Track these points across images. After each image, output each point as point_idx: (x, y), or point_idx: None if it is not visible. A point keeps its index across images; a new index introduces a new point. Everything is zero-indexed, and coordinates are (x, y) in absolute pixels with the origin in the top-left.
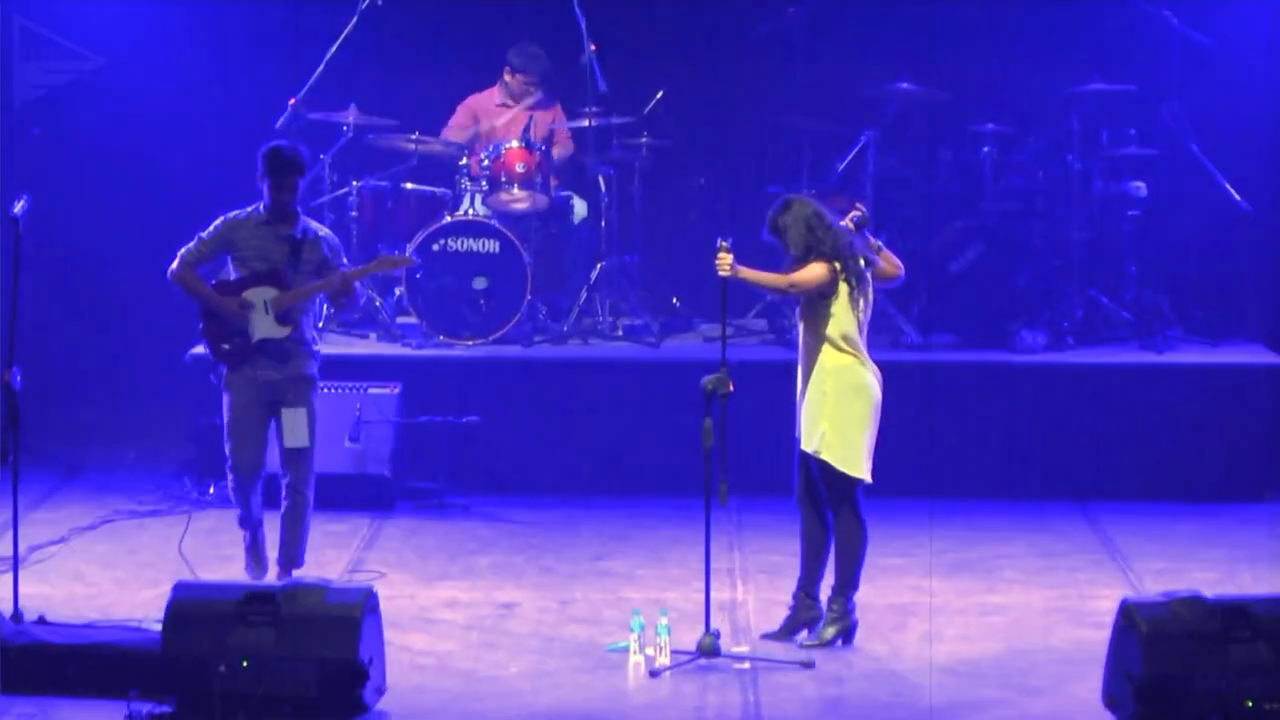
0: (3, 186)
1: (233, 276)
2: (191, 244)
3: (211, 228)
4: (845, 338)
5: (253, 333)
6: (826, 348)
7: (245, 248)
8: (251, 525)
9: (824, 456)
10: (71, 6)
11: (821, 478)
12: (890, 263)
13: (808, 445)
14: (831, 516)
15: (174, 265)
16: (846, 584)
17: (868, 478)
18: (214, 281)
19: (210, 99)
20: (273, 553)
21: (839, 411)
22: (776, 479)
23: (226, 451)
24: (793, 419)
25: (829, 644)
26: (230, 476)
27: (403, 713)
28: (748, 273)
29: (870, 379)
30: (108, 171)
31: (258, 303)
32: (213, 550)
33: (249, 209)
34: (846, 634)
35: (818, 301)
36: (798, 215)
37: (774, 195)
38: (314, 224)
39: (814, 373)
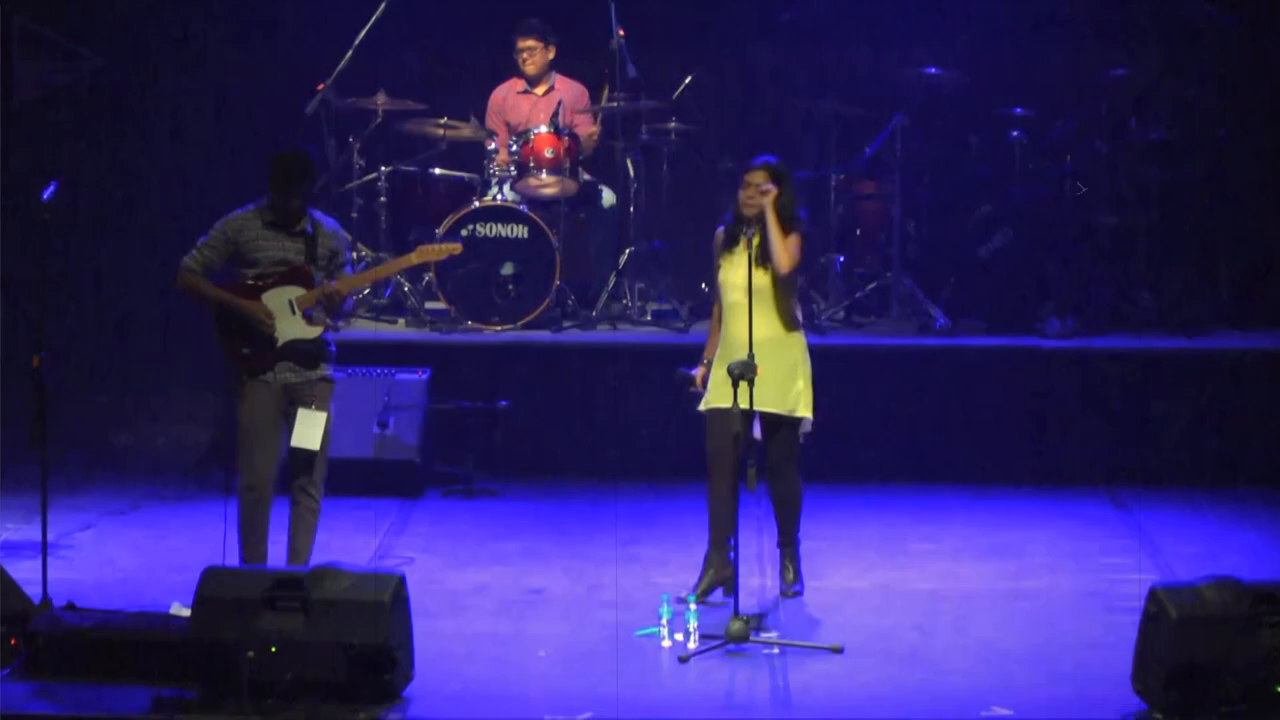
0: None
1: (246, 279)
2: (194, 252)
3: (214, 231)
4: (799, 308)
5: (278, 335)
6: (795, 312)
7: (255, 250)
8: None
9: (801, 413)
10: (71, 6)
11: (788, 437)
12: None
13: (782, 405)
14: (780, 475)
15: (179, 275)
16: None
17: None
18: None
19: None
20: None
21: (811, 371)
22: (805, 464)
23: (241, 462)
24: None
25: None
26: (243, 493)
27: (431, 698)
28: (772, 218)
29: None
30: (108, 170)
31: (281, 303)
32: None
33: (252, 208)
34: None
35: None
36: (791, 181)
37: (801, 180)
38: (319, 214)
39: (790, 336)
